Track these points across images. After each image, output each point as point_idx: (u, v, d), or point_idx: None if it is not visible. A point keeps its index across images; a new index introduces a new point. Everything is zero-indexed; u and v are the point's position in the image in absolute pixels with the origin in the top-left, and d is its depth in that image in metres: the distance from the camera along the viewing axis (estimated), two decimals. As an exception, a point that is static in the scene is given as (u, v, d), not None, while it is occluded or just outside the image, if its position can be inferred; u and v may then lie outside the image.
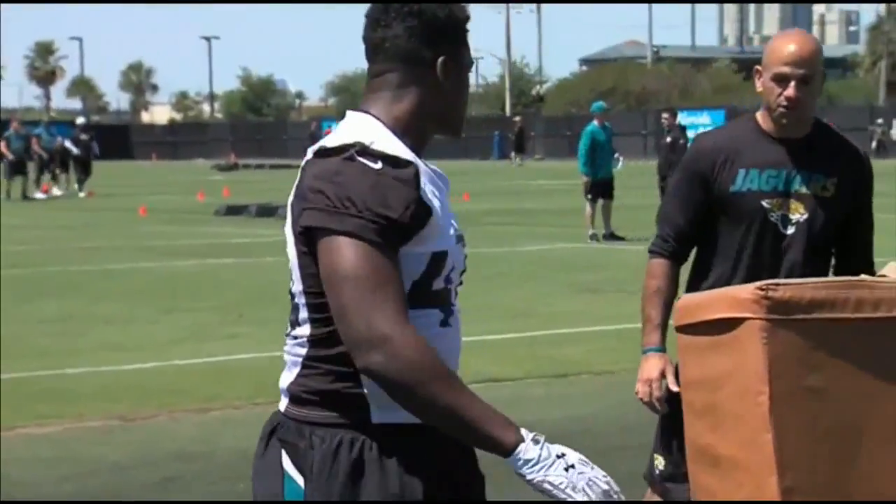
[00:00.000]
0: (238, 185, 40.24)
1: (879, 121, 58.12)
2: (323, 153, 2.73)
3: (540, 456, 2.57)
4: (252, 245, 22.23)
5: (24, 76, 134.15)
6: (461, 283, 2.87)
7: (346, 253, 2.63)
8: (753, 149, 3.95)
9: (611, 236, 21.10)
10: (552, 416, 8.35)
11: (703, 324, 2.61)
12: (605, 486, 2.54)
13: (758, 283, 2.56)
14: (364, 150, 2.67)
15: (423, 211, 2.69)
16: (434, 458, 2.77)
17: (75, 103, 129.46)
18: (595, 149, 21.09)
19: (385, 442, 2.73)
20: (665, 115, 22.17)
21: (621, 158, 21.74)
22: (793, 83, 3.83)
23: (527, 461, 2.58)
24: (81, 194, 38.00)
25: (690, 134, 22.37)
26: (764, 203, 3.86)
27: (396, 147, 2.72)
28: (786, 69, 3.82)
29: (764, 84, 3.92)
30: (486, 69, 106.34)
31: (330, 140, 2.77)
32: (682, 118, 28.59)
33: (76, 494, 6.72)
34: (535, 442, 2.59)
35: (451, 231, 2.79)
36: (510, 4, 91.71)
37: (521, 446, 2.58)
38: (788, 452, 2.48)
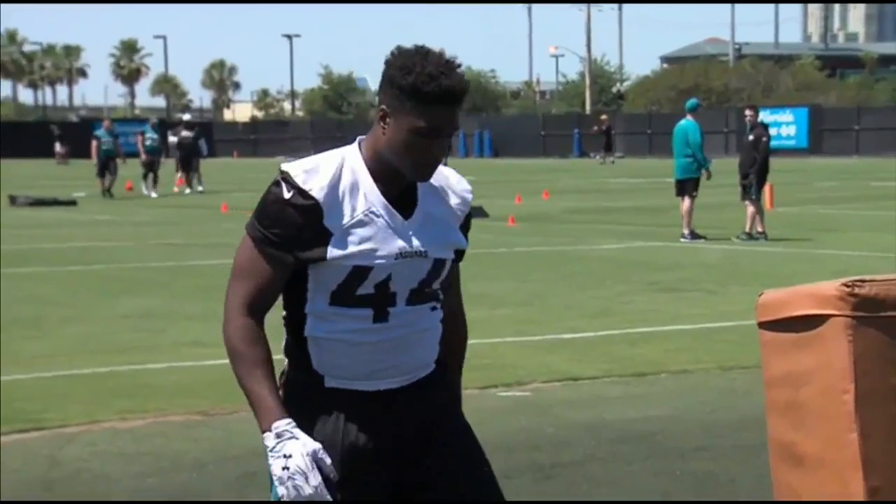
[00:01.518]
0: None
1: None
2: (287, 164, 3.36)
3: (274, 448, 3.21)
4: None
5: (109, 75, 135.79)
6: (425, 289, 3.40)
7: (240, 246, 3.39)
8: None
9: (692, 235, 20.95)
10: (629, 416, 8.31)
11: (787, 320, 2.58)
12: (301, 493, 3.15)
13: (843, 280, 2.52)
14: (286, 179, 3.29)
15: (320, 235, 3.26)
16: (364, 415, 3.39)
17: (159, 101, 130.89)
18: (689, 144, 20.89)
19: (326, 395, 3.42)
20: (748, 112, 21.93)
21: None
22: None
23: (266, 447, 3.24)
24: (200, 188, 38.42)
25: (773, 132, 22.12)
26: None
27: (319, 181, 3.26)
28: None
29: None
30: (566, 67, 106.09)
31: (304, 158, 3.39)
32: (765, 116, 28.29)
33: (158, 489, 6.78)
34: (277, 436, 3.22)
35: (389, 251, 3.30)
36: (591, 3, 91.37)
37: (266, 434, 3.24)
38: (874, 451, 2.44)
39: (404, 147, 3.22)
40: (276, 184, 3.31)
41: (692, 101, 21.91)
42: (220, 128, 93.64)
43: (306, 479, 3.16)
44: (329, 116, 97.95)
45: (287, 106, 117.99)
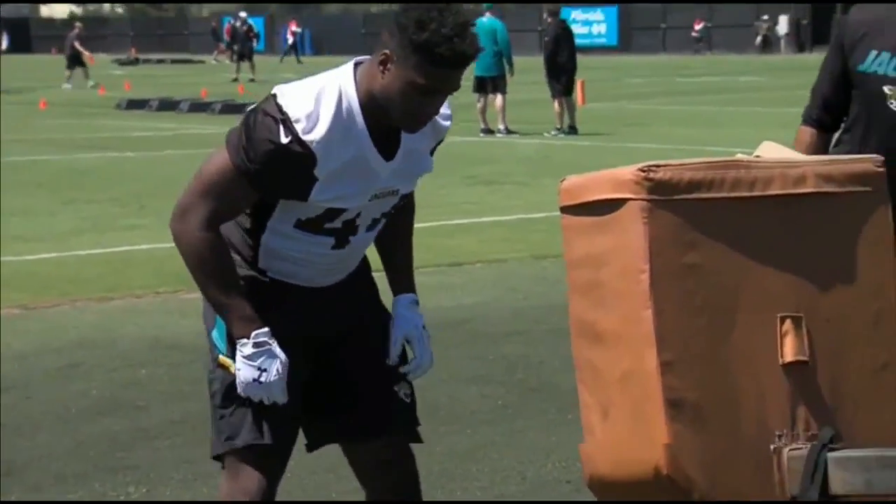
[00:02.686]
0: (139, 79, 39.61)
1: (765, 17, 58.53)
2: (283, 92, 3.15)
3: (250, 356, 3.20)
4: (153, 139, 21.96)
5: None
6: (385, 216, 3.36)
7: (217, 158, 3.19)
8: (893, 32, 3.75)
9: (506, 131, 21.13)
10: (446, 304, 8.40)
11: (587, 204, 2.63)
12: (257, 391, 3.19)
13: (639, 165, 2.58)
14: (286, 123, 3.08)
15: (305, 182, 3.13)
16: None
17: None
18: (497, 42, 21.02)
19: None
20: (547, 18, 22.10)
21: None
22: None
23: (240, 352, 3.21)
24: None
25: (584, 30, 22.29)
26: (885, 89, 3.66)
27: (319, 130, 3.08)
28: None
29: None
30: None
31: (300, 85, 3.17)
32: (576, 14, 28.39)
33: (-22, 381, 6.66)
34: (256, 345, 3.19)
35: (365, 194, 3.21)
36: None
37: (243, 341, 3.20)
38: (667, 327, 2.51)
39: (399, 97, 3.06)
40: (274, 119, 3.10)
41: (487, 3, 21.89)
42: (37, 24, 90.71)
43: (278, 392, 3.22)
44: (149, 13, 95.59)
45: (106, 4, 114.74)
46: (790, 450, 2.59)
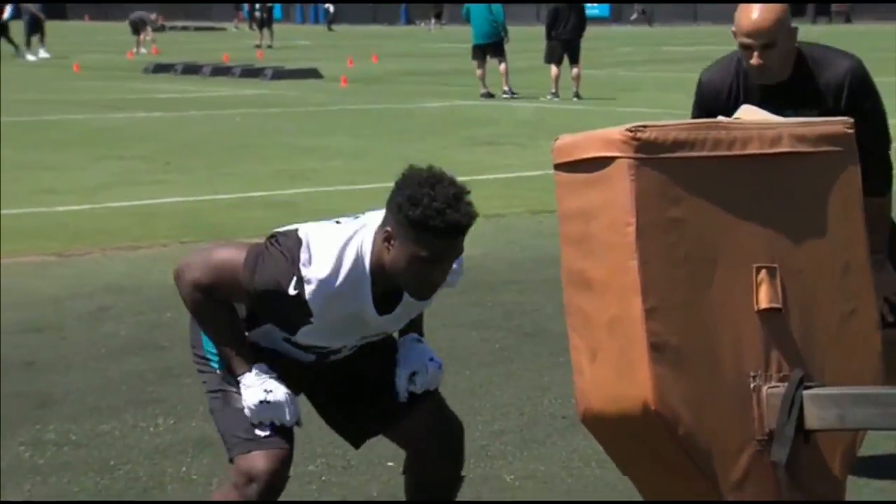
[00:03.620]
0: (165, 45, 39.46)
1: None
2: (311, 243, 3.06)
3: (253, 383, 3.17)
4: (178, 100, 21.92)
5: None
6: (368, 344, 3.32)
7: (234, 255, 3.15)
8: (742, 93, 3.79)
9: (511, 93, 21.10)
10: (449, 254, 8.41)
11: (579, 162, 2.64)
12: (265, 412, 3.16)
13: (628, 125, 2.58)
14: (300, 280, 3.02)
15: (298, 323, 3.10)
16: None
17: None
18: (492, 11, 21.01)
19: None
20: None
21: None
22: (755, 52, 3.66)
23: (243, 384, 3.19)
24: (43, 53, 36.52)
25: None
26: None
27: (324, 292, 3.02)
28: (747, 40, 3.67)
29: (738, 46, 3.77)
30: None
31: (327, 241, 3.07)
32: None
33: (16, 322, 6.69)
34: (258, 374, 3.18)
35: (353, 340, 3.23)
36: None
37: (246, 374, 3.17)
38: (651, 277, 2.53)
39: (406, 270, 2.99)
40: (289, 270, 3.03)
41: None
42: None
43: (286, 410, 3.19)
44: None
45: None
46: (769, 387, 2.61)
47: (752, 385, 2.60)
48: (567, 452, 4.70)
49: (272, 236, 3.13)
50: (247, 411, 3.18)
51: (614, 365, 2.56)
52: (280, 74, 27.10)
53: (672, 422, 2.49)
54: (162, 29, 38.68)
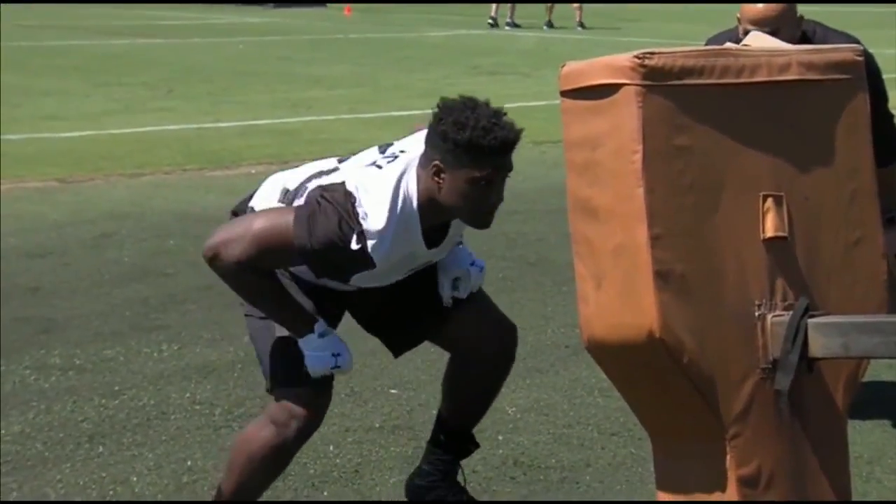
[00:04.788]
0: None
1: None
2: (361, 197, 3.00)
3: (317, 345, 3.12)
4: (180, 27, 21.79)
5: None
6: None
7: (277, 221, 3.04)
8: None
9: (512, 24, 20.96)
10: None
11: (585, 89, 2.61)
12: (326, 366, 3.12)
13: (635, 52, 2.56)
14: (362, 236, 2.98)
15: (354, 273, 3.06)
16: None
17: None
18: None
19: None
20: None
21: None
22: None
23: (307, 344, 3.13)
24: None
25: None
26: None
27: (385, 246, 2.99)
28: (752, 28, 3.64)
29: (741, 33, 3.76)
30: None
31: (376, 192, 3.01)
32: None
33: (19, 248, 6.69)
34: (321, 335, 3.12)
35: (400, 274, 3.17)
36: None
37: (309, 335, 3.12)
38: (657, 204, 2.51)
39: (463, 198, 2.97)
40: (350, 226, 2.99)
41: None
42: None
43: (347, 365, 3.16)
44: None
45: None
46: (773, 316, 2.60)
47: (756, 313, 2.59)
48: (570, 381, 4.71)
49: (319, 193, 3.06)
50: (310, 370, 3.14)
51: (619, 292, 2.55)
52: (284, 2, 26.94)
53: (676, 349, 2.49)
54: None
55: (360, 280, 3.13)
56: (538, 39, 19.22)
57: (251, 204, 3.27)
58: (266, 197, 3.24)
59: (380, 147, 3.22)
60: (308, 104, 12.32)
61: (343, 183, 3.05)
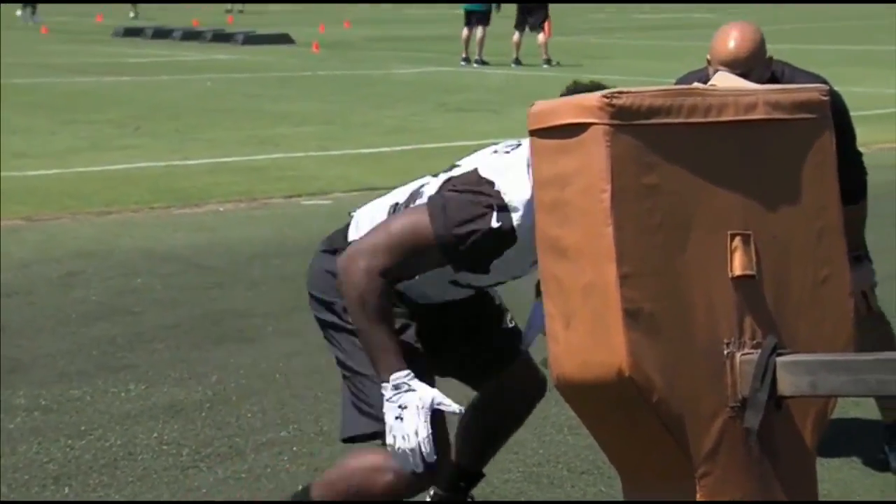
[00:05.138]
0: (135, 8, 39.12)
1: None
2: (499, 178, 2.96)
3: (390, 398, 2.95)
4: (147, 65, 21.78)
5: None
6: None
7: (414, 221, 2.98)
8: None
9: (480, 62, 21.07)
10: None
11: (554, 128, 2.62)
12: (410, 445, 2.92)
13: (603, 91, 2.57)
14: (503, 209, 2.92)
15: (494, 258, 2.99)
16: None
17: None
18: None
19: None
20: None
21: None
22: None
23: (383, 395, 2.97)
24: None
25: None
26: None
27: (527, 211, 2.88)
28: (724, 69, 3.61)
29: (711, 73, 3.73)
30: None
31: (511, 168, 2.98)
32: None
33: (-15, 287, 6.64)
34: (395, 388, 2.95)
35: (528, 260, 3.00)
36: None
37: (384, 385, 2.97)
38: (626, 243, 2.52)
39: None
40: (489, 205, 2.93)
41: None
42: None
43: (416, 432, 2.93)
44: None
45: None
46: (742, 354, 2.61)
47: (725, 352, 2.60)
48: (539, 419, 4.70)
49: (447, 186, 3.02)
50: (388, 437, 2.97)
51: (588, 331, 2.56)
52: (251, 39, 26.97)
53: (646, 388, 2.49)
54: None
55: (497, 269, 3.04)
56: (506, 76, 19.31)
57: (352, 237, 3.19)
58: (372, 221, 3.16)
59: (491, 148, 3.19)
60: (276, 141, 12.31)
61: (475, 170, 3.03)
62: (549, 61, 20.81)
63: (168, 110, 15.00)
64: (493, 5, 21.26)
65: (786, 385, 2.58)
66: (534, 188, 2.73)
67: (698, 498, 2.57)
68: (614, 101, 2.52)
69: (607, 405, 2.58)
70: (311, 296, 3.27)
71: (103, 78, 18.97)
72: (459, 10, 21.65)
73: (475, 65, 21.00)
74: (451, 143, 12.05)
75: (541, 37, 20.89)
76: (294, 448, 4.45)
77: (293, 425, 4.66)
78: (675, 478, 2.58)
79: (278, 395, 4.99)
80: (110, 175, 10.30)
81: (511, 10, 21.70)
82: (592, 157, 2.54)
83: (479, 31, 21.24)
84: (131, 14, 37.00)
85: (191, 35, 28.27)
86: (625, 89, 2.56)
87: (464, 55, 21.25)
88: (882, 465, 4.24)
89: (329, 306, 3.20)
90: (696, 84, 2.82)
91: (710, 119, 2.60)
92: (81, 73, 19.39)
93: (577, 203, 2.58)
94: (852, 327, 2.78)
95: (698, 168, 2.59)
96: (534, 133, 2.70)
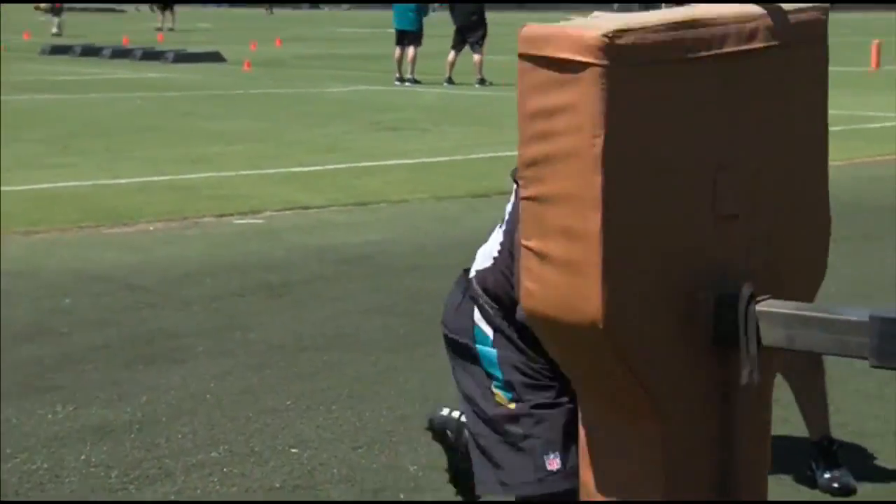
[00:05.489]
0: (63, 26, 38.74)
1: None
2: None
3: None
4: (76, 83, 21.54)
5: None
6: None
7: None
8: None
9: (413, 81, 21.12)
10: (352, 240, 8.36)
11: (547, 59, 2.38)
12: None
13: (604, 30, 2.32)
14: None
15: None
16: None
17: None
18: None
19: None
20: None
21: None
22: None
23: None
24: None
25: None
26: None
27: None
28: None
29: None
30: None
31: None
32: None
33: None
34: None
35: None
36: None
37: None
38: (614, 191, 2.33)
39: None
40: None
41: None
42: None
43: None
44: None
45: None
46: (718, 299, 2.46)
47: (703, 296, 2.48)
48: (476, 436, 4.68)
49: None
50: None
51: (564, 274, 2.40)
52: (182, 58, 26.78)
53: (618, 340, 2.34)
54: (60, 10, 37.83)
55: None
56: (439, 95, 19.32)
57: (480, 268, 3.11)
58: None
59: None
60: (208, 160, 12.20)
61: None
62: (482, 81, 20.86)
63: (98, 128, 14.83)
64: (424, 17, 21.39)
65: (763, 335, 2.52)
66: (519, 117, 2.58)
67: (660, 441, 2.51)
68: (615, 41, 2.28)
69: (576, 346, 2.47)
70: None
71: (32, 96, 18.73)
72: (388, 30, 21.66)
73: (408, 84, 21.02)
74: (384, 161, 12.02)
75: (476, 56, 20.95)
76: (224, 469, 4.39)
77: (224, 446, 4.60)
78: (639, 417, 2.51)
79: (209, 415, 4.93)
80: (38, 194, 10.14)
81: (445, 29, 21.76)
82: (587, 99, 2.29)
83: (410, 50, 21.28)
84: (53, 30, 36.60)
85: (121, 53, 28.03)
86: (625, 26, 2.31)
87: (397, 74, 21.28)
88: (810, 482, 4.28)
89: None
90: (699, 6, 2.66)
91: (711, 52, 2.36)
92: (9, 92, 19.13)
93: (565, 143, 2.27)
94: (827, 247, 2.76)
95: (693, 107, 2.34)
96: (525, 58, 2.41)
